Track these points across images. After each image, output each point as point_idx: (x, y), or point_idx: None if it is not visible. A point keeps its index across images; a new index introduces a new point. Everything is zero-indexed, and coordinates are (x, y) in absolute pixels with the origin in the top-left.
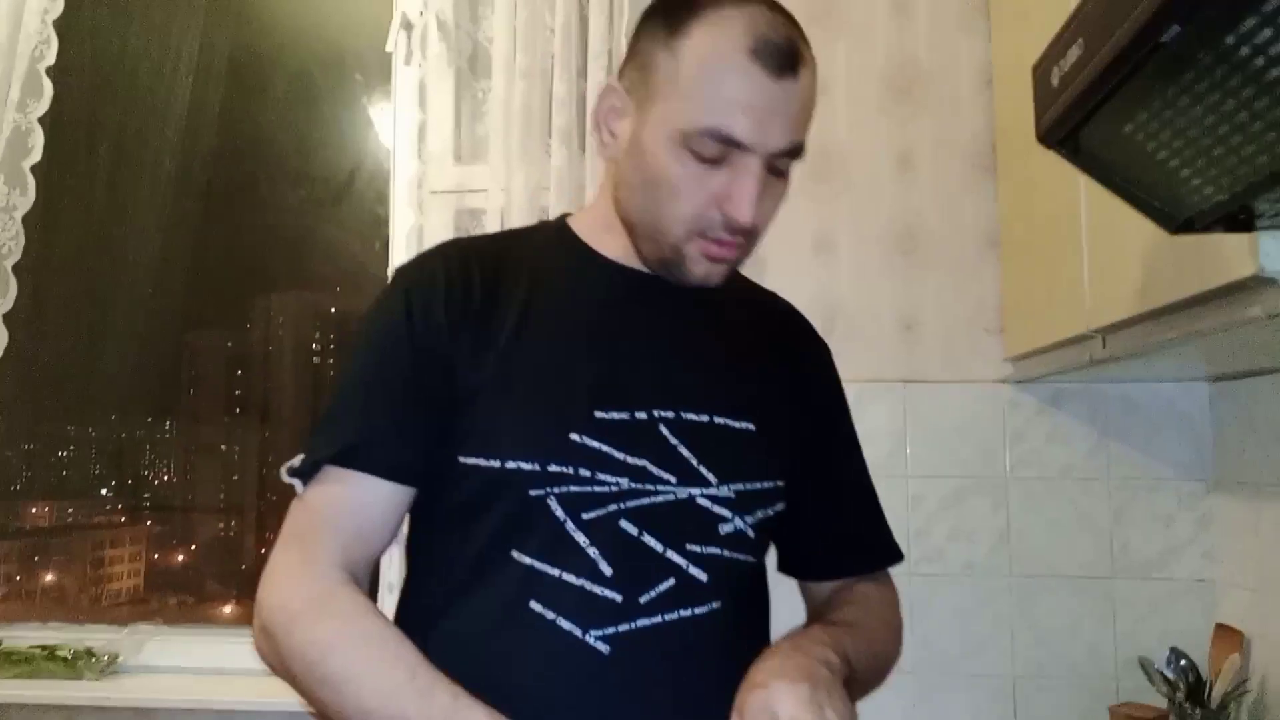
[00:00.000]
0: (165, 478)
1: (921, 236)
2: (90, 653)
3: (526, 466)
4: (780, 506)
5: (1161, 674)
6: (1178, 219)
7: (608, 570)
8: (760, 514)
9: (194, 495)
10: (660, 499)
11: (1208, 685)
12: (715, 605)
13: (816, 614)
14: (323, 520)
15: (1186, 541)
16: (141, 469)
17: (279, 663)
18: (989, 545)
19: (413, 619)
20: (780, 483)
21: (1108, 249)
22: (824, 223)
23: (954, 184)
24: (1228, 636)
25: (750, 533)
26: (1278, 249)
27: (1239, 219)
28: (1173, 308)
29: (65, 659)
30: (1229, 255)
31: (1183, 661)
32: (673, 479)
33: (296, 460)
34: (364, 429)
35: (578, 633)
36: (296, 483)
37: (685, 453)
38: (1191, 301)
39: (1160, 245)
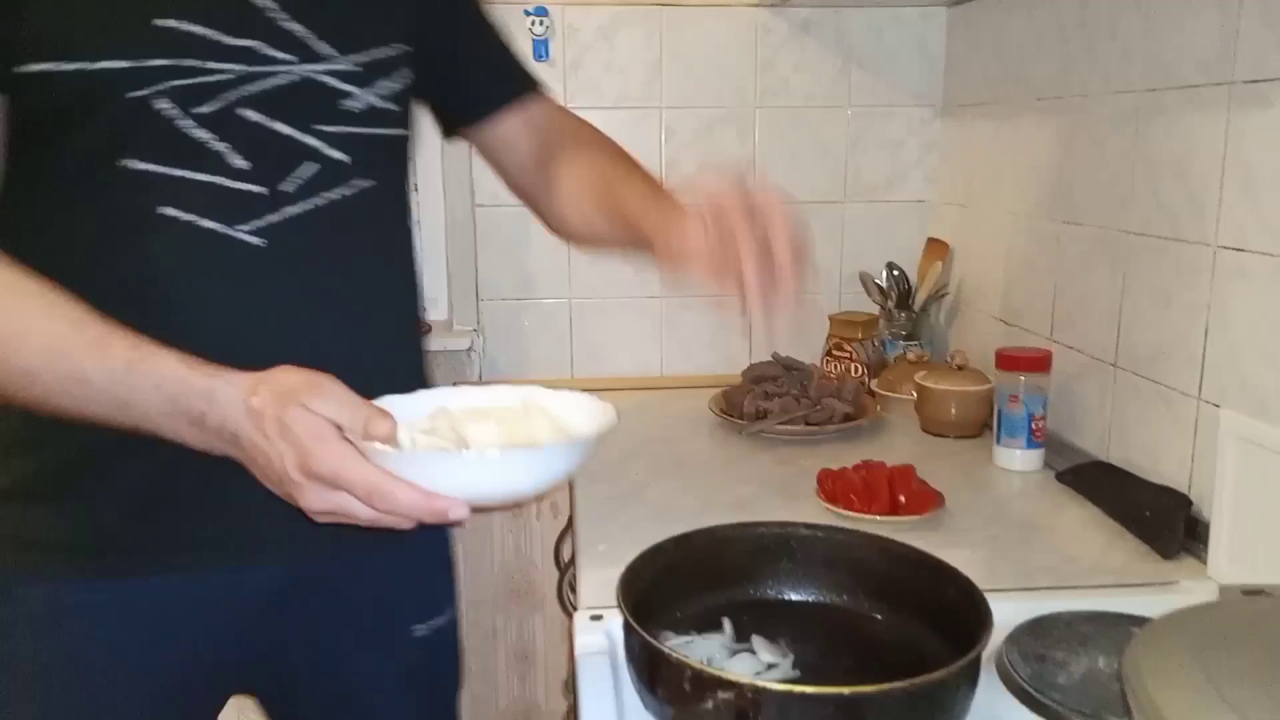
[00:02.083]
0: None
1: None
2: None
3: (117, 65)
4: (408, 75)
5: (877, 284)
6: None
7: (242, 164)
8: (387, 85)
9: None
10: (282, 80)
11: (915, 292)
12: (363, 184)
13: (538, 176)
14: None
15: (912, 165)
16: None
17: None
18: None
19: (8, 245)
20: (405, 48)
21: None
22: None
23: None
24: (936, 248)
25: (383, 105)
26: None
27: None
28: None
29: None
30: None
31: (895, 273)
32: (293, 58)
33: None
34: None
35: (223, 229)
36: None
37: (299, 28)
38: None
39: None
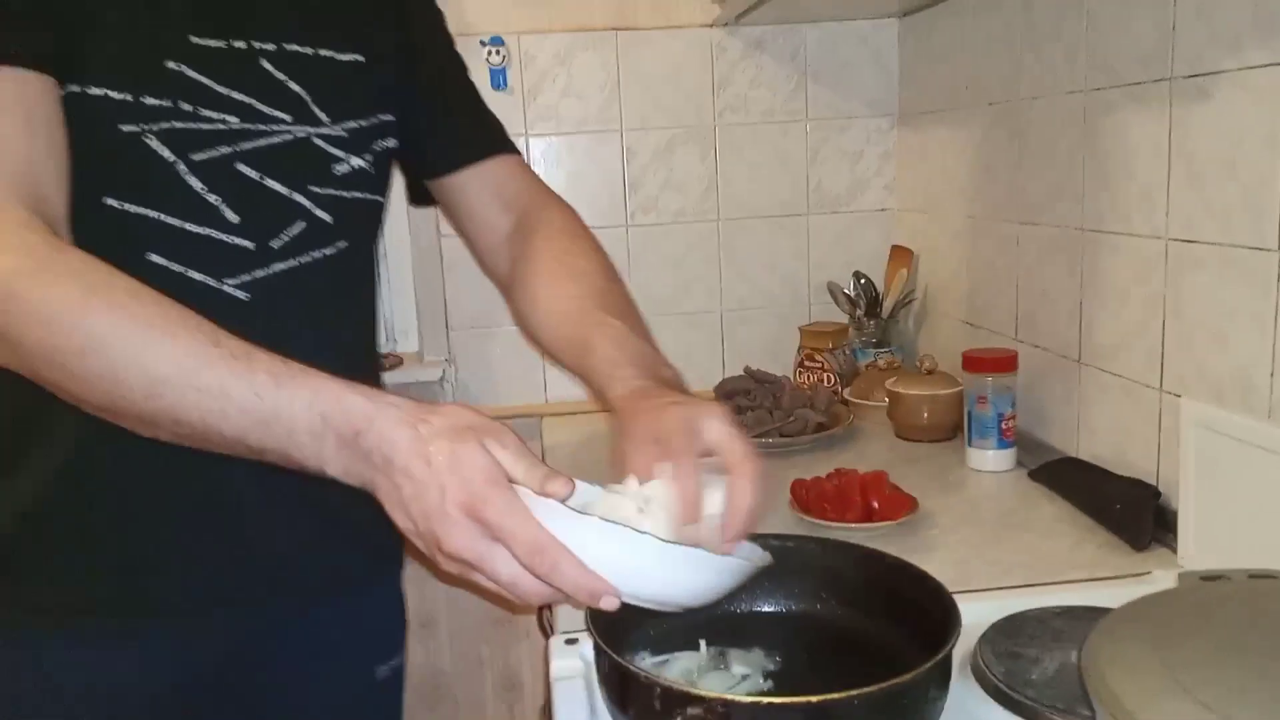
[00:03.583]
0: None
1: None
2: None
3: (115, 95)
4: (393, 141)
5: (845, 294)
6: None
7: (234, 217)
8: (376, 149)
9: None
10: (277, 140)
11: (883, 300)
12: (342, 245)
13: (511, 270)
14: None
15: (873, 174)
16: None
17: None
18: (698, 192)
19: None
20: (390, 116)
21: None
22: None
23: None
24: (900, 255)
25: (370, 169)
26: None
27: None
28: None
29: None
30: None
31: (863, 281)
32: (287, 118)
33: None
34: None
35: (212, 282)
36: None
37: (295, 88)
38: None
39: None
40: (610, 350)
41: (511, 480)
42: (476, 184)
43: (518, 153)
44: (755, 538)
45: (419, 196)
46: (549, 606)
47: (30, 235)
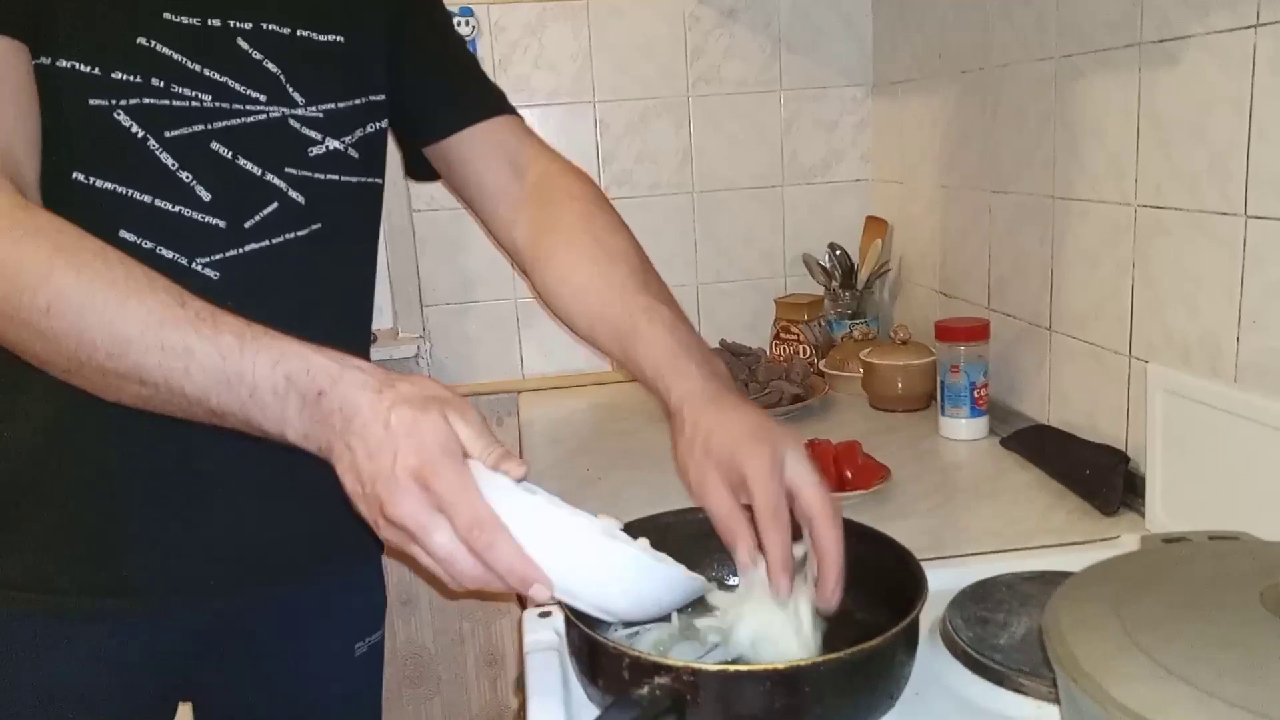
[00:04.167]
0: None
1: None
2: None
3: (84, 69)
4: (383, 122)
5: (820, 266)
6: None
7: (206, 196)
8: (359, 132)
9: None
10: (252, 119)
11: (858, 271)
12: (315, 227)
13: (527, 247)
14: None
15: (848, 145)
16: None
17: None
18: (673, 165)
19: None
20: (378, 97)
21: None
22: None
23: None
24: (875, 226)
25: (350, 152)
26: None
27: None
28: None
29: None
30: None
31: (838, 252)
32: (262, 98)
33: None
34: None
35: (183, 260)
36: None
37: (272, 68)
38: None
39: None
40: (664, 338)
41: (467, 455)
42: (480, 146)
43: (519, 115)
44: None
45: (419, 169)
46: None
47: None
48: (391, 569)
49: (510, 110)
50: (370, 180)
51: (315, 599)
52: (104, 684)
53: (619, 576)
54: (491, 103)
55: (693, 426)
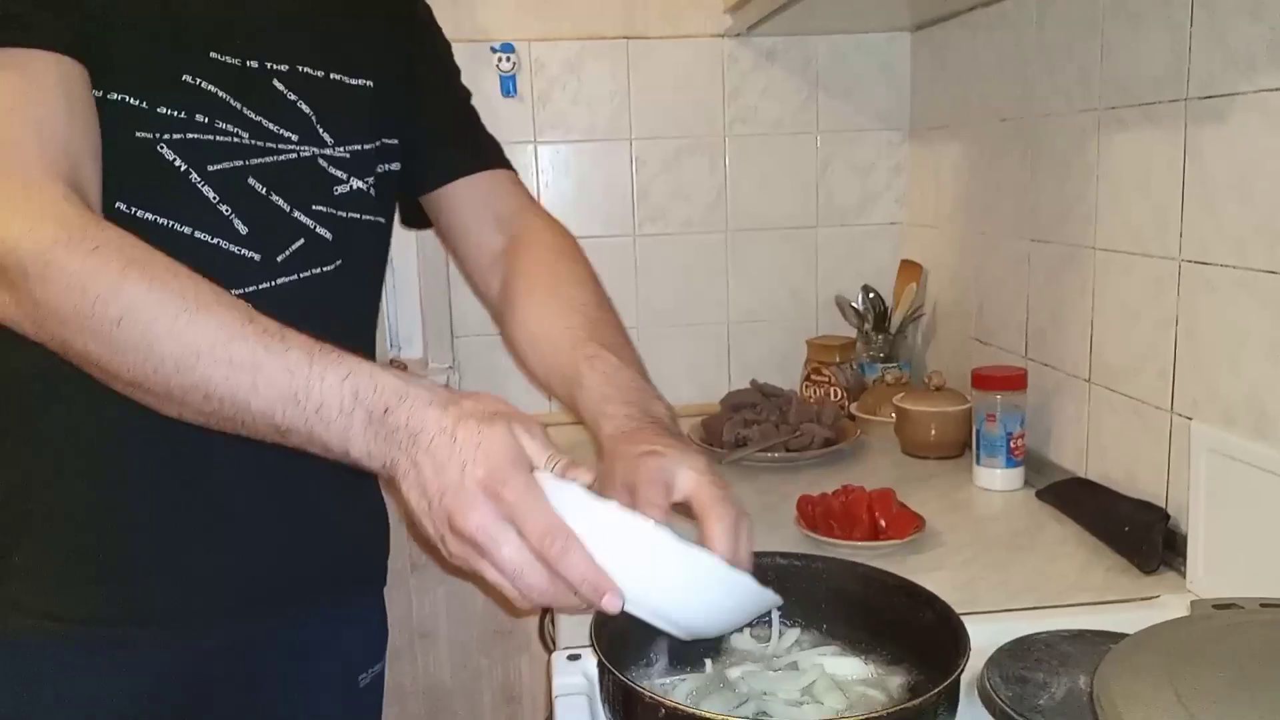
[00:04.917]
0: None
1: None
2: None
3: (132, 102)
4: (396, 164)
5: (853, 308)
6: None
7: (244, 229)
8: (374, 174)
9: None
10: (284, 158)
11: (891, 314)
12: (339, 263)
13: (503, 292)
14: (20, 120)
15: (883, 188)
16: None
17: (30, 309)
18: (707, 203)
19: None
20: (392, 140)
21: None
22: None
23: None
24: (910, 270)
25: (370, 192)
26: None
27: None
28: None
29: None
30: None
31: (871, 295)
32: (295, 137)
33: None
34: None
35: None
36: None
37: (304, 109)
38: None
39: None
40: (601, 385)
41: (534, 468)
42: (470, 198)
43: (513, 170)
44: (760, 555)
45: (413, 217)
46: (552, 619)
47: (70, 208)
48: (410, 603)
49: (505, 164)
50: (384, 220)
51: (321, 629)
52: (107, 712)
53: (698, 585)
54: (486, 156)
55: (609, 462)
